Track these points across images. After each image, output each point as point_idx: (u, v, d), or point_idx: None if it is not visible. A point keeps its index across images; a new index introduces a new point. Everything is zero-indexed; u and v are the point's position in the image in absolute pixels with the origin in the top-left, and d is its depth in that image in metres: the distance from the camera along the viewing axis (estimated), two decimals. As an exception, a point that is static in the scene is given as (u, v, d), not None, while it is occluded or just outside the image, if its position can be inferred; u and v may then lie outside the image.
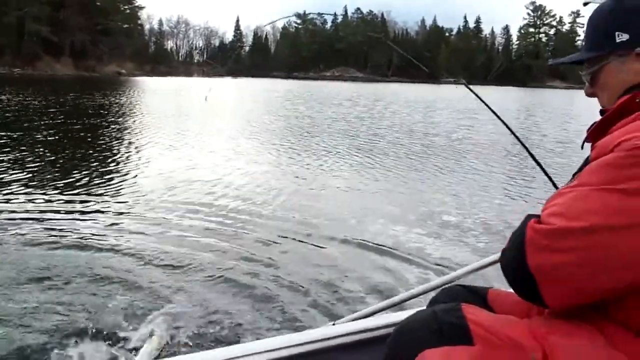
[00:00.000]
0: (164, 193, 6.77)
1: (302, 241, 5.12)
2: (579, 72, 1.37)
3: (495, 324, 1.22)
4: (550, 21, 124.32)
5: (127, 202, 6.32)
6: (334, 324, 1.94)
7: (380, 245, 5.03)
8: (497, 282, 2.57)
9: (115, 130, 13.75)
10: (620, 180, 1.06)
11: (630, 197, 1.05)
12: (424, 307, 1.51)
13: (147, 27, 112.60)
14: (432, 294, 1.68)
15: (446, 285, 1.67)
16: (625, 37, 1.24)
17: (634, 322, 1.10)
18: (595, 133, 1.26)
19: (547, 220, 1.11)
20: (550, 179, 2.11)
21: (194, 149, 11.07)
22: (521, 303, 1.35)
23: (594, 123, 1.28)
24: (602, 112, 1.31)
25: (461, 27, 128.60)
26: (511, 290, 1.24)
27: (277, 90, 42.95)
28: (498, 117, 2.09)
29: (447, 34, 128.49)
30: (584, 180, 1.12)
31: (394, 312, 2.02)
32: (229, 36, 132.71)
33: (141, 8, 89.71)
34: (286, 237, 5.19)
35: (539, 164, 2.10)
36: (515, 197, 7.63)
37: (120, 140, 11.89)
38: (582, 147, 1.35)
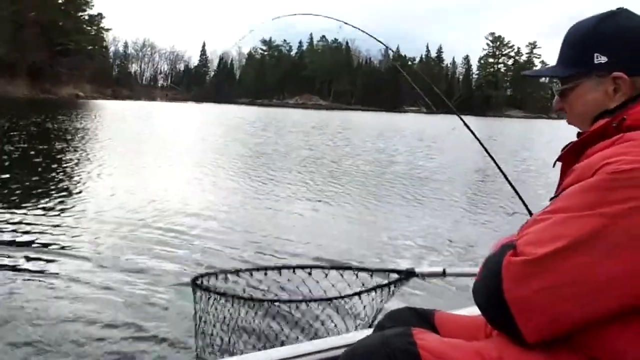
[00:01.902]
0: (116, 224, 6.35)
1: (248, 261, 5.11)
2: (551, 102, 1.38)
3: (444, 348, 1.21)
4: (509, 52, 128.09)
5: (78, 232, 5.95)
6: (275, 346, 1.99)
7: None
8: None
9: (49, 158, 12.89)
10: (602, 204, 1.04)
11: (612, 221, 1.03)
12: (370, 330, 1.53)
13: (112, 49, 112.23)
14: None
15: (394, 308, 1.65)
16: (603, 59, 1.23)
17: (590, 351, 1.09)
18: (569, 155, 1.26)
19: (523, 251, 1.09)
20: (524, 203, 2.24)
21: (148, 177, 10.49)
22: (467, 325, 1.41)
23: (569, 144, 1.28)
24: (578, 135, 1.30)
25: (423, 56, 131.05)
26: (457, 313, 1.32)
27: (244, 118, 42.56)
28: (481, 144, 2.23)
29: (409, 63, 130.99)
30: (561, 205, 1.10)
31: (340, 335, 2.08)
32: (195, 61, 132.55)
33: (107, 30, 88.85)
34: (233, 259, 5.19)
35: (514, 188, 2.24)
36: (474, 220, 7.83)
37: (62, 171, 11.12)
38: (554, 166, 1.35)
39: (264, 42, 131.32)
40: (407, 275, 2.52)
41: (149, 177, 10.30)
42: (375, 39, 3.07)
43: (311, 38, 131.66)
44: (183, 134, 23.35)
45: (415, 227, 7.15)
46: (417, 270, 2.53)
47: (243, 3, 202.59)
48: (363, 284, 2.58)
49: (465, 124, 2.44)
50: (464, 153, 18.53)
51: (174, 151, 15.43)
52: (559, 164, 1.32)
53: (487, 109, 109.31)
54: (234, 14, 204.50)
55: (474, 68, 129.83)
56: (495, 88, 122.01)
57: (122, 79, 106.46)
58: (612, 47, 1.22)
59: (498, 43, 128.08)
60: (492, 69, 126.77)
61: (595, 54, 1.23)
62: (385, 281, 2.52)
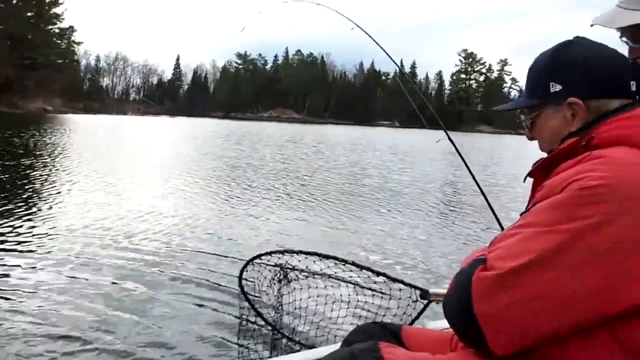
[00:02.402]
0: (86, 242, 6.19)
1: (213, 271, 5.19)
2: (520, 117, 1.42)
3: None
4: (480, 68, 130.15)
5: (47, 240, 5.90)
6: None
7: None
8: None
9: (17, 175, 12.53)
10: (569, 219, 1.06)
11: (578, 236, 1.05)
12: (338, 345, 1.56)
13: (83, 63, 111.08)
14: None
15: (360, 324, 1.67)
16: (558, 87, 1.28)
17: None
18: (539, 171, 1.29)
19: (493, 265, 1.11)
20: (496, 217, 2.27)
21: (120, 193, 10.13)
22: (434, 339, 1.43)
23: (539, 160, 1.31)
24: (549, 152, 1.33)
25: (397, 71, 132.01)
26: (425, 327, 1.35)
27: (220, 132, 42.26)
28: (462, 158, 2.32)
29: (383, 78, 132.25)
30: (530, 220, 1.12)
31: (307, 350, 2.09)
32: (168, 74, 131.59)
33: (78, 43, 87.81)
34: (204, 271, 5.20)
35: (488, 203, 2.31)
36: (446, 233, 7.89)
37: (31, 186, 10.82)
38: (524, 181, 1.39)
39: (238, 55, 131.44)
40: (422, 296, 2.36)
41: (121, 192, 10.03)
42: (383, 49, 2.98)
43: (286, 52, 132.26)
44: (155, 148, 23.02)
45: (389, 239, 7.17)
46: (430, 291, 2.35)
47: (217, 17, 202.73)
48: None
49: (450, 139, 2.49)
50: (435, 166, 18.67)
51: (146, 166, 15.19)
52: (529, 180, 1.35)
53: (459, 124, 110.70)
54: (208, 27, 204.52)
55: (447, 84, 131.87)
56: (467, 104, 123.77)
57: (93, 92, 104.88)
58: (565, 75, 1.28)
59: (470, 59, 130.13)
60: (463, 85, 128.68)
61: (551, 83, 1.29)
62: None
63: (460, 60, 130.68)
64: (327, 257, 2.68)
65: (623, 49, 1.47)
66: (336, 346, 1.66)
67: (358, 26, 2.97)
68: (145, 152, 20.23)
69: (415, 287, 2.42)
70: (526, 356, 1.12)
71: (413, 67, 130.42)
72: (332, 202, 10.13)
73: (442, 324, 1.25)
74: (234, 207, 9.05)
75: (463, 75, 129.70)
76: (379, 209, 9.72)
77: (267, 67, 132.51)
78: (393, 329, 1.54)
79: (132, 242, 6.28)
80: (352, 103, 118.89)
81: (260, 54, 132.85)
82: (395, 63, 2.98)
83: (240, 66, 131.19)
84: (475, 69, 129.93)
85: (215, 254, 5.87)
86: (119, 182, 11.24)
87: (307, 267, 2.78)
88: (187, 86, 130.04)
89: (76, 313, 4.07)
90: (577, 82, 1.26)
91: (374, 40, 2.92)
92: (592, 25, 1.52)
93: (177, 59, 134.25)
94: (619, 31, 1.48)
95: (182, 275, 5.09)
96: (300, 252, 2.70)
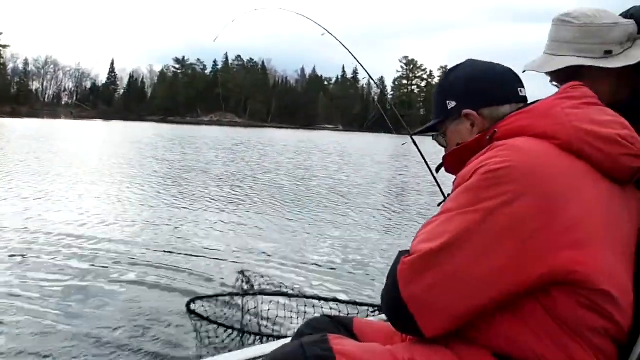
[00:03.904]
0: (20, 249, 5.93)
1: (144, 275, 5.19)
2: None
3: (360, 352, 1.28)
4: (422, 74, 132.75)
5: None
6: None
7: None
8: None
9: None
10: (477, 201, 1.15)
11: (486, 216, 1.13)
12: (289, 339, 1.63)
13: (10, 66, 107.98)
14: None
15: (311, 317, 1.74)
16: (453, 103, 1.43)
17: (487, 341, 1.17)
18: (451, 163, 1.42)
19: (414, 249, 1.20)
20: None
21: (52, 197, 9.52)
22: (384, 330, 1.50)
23: (448, 152, 1.44)
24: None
25: (339, 77, 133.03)
26: (375, 319, 1.48)
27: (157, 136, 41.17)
28: (425, 161, 2.53)
29: (326, 83, 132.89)
30: (447, 206, 1.21)
31: (259, 345, 2.30)
32: (103, 78, 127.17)
33: (4, 47, 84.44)
34: (146, 279, 5.14)
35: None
36: (382, 231, 8.01)
37: None
38: (437, 171, 1.59)
39: (176, 60, 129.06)
40: None
41: (54, 199, 9.33)
42: (353, 56, 3.01)
43: (226, 57, 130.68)
44: (87, 152, 21.81)
45: (341, 239, 7.17)
46: None
47: (152, 21, 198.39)
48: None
49: (415, 143, 2.62)
50: (380, 168, 18.80)
51: (78, 170, 14.34)
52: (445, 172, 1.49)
53: (402, 128, 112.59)
54: (144, 31, 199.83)
55: (389, 89, 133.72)
56: (409, 108, 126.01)
57: (21, 96, 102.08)
58: (456, 91, 1.43)
59: (411, 66, 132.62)
60: (405, 90, 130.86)
61: (447, 101, 1.44)
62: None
63: (402, 67, 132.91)
64: (279, 294, 2.70)
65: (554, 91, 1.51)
66: (288, 340, 1.67)
67: (329, 32, 3.05)
68: (78, 157, 18.98)
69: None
70: (460, 332, 1.19)
71: (355, 72, 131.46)
72: (287, 205, 10.08)
73: None
74: (172, 213, 8.73)
75: (405, 81, 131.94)
76: (329, 210, 9.73)
77: (206, 72, 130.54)
78: (345, 321, 1.59)
79: (73, 245, 6.15)
80: (295, 107, 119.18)
81: (199, 59, 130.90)
82: (366, 71, 3.06)
83: (179, 71, 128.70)
84: (417, 75, 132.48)
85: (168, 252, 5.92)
86: (55, 188, 10.65)
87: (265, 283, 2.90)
88: (122, 90, 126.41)
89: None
90: (467, 95, 1.41)
91: (345, 47, 2.96)
92: (524, 72, 1.62)
93: (112, 63, 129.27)
94: (549, 75, 1.65)
95: (132, 277, 5.13)
96: (247, 293, 2.62)
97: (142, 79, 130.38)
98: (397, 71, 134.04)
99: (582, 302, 1.13)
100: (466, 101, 1.40)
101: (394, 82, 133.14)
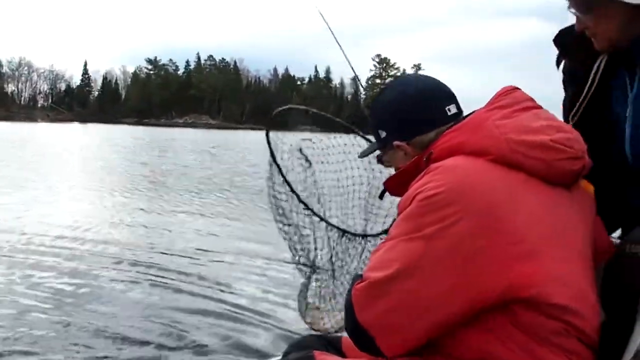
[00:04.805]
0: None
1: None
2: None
3: None
4: (395, 73, 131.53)
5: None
6: None
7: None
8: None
9: None
10: (418, 228, 1.17)
11: (429, 242, 1.15)
12: (277, 357, 1.59)
13: None
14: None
15: (298, 337, 1.79)
16: (384, 134, 1.46)
17: (462, 354, 1.19)
18: (394, 187, 1.44)
19: (365, 276, 1.22)
20: None
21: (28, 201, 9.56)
22: None
23: (391, 176, 1.47)
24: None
25: (312, 77, 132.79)
26: None
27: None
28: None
29: (299, 83, 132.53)
30: (393, 233, 1.24)
31: None
32: (77, 80, 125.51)
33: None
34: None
35: None
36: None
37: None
38: (380, 198, 1.64)
39: (149, 61, 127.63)
40: None
41: (29, 201, 9.54)
42: (348, 61, 2.78)
43: (198, 57, 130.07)
44: (66, 156, 21.82)
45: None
46: None
47: (124, 19, 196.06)
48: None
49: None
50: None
51: (55, 174, 14.56)
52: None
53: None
54: (116, 32, 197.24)
55: (362, 89, 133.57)
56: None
57: None
58: (385, 122, 1.46)
59: (384, 65, 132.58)
60: (378, 89, 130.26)
61: (379, 130, 1.47)
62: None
63: (375, 66, 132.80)
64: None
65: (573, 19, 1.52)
66: (276, 359, 1.70)
67: (329, 28, 2.65)
68: (58, 160, 19.09)
69: None
70: (436, 347, 1.21)
71: (327, 72, 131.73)
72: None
73: None
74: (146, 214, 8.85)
75: (378, 80, 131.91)
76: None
77: (179, 72, 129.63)
78: (332, 340, 1.64)
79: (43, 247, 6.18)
80: (268, 108, 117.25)
81: (171, 60, 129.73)
82: (353, 69, 2.79)
83: (151, 72, 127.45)
84: (390, 74, 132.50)
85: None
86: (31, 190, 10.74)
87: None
88: (97, 92, 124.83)
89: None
90: (393, 127, 1.43)
91: (338, 44, 2.71)
92: None
93: (85, 65, 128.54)
94: (568, 1, 1.52)
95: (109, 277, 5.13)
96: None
97: (116, 80, 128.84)
98: (370, 70, 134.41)
99: (541, 312, 1.15)
100: (395, 134, 1.42)
101: (367, 81, 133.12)
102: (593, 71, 1.54)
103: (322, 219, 2.16)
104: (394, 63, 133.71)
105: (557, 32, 1.63)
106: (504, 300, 1.14)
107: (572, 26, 1.55)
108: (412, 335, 1.19)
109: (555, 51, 1.65)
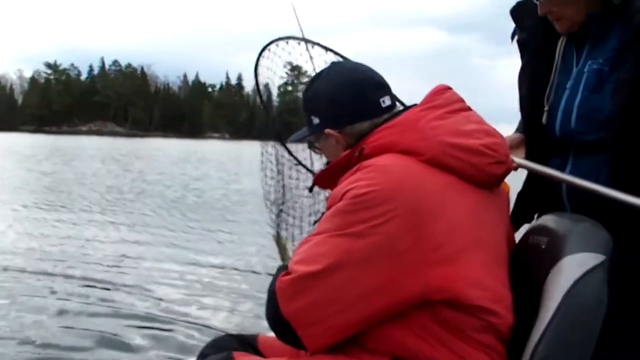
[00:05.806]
0: None
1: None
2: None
3: None
4: (307, 81, 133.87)
5: None
6: None
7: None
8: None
9: None
10: (347, 225, 1.18)
11: (357, 239, 1.17)
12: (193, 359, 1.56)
13: None
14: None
15: (214, 337, 1.70)
16: (317, 120, 1.42)
17: (383, 348, 1.21)
18: (323, 181, 1.45)
19: (292, 269, 1.22)
20: None
21: None
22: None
23: (320, 171, 1.47)
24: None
25: (223, 84, 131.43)
26: None
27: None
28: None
29: (210, 90, 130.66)
30: (321, 227, 1.24)
31: None
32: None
33: None
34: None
35: None
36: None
37: None
38: (310, 191, 1.68)
39: (48, 65, 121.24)
40: None
41: None
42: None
43: (102, 62, 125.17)
44: None
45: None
46: None
47: (19, 19, 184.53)
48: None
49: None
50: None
51: None
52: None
53: (289, 134, 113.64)
54: (8, 31, 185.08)
55: (274, 96, 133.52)
56: (296, 115, 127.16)
57: None
58: (317, 109, 1.42)
59: (297, 72, 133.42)
60: (292, 97, 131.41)
61: (312, 117, 1.43)
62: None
63: (287, 73, 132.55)
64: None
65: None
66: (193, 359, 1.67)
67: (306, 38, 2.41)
68: None
69: None
70: (360, 341, 1.23)
71: (239, 79, 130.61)
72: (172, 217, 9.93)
73: None
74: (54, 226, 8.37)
75: (290, 88, 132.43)
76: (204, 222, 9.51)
77: (81, 77, 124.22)
78: (249, 339, 1.60)
79: None
80: (178, 116, 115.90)
81: (72, 64, 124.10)
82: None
83: (51, 77, 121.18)
84: (302, 82, 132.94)
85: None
86: None
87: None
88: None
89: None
90: (326, 115, 1.39)
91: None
92: None
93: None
94: None
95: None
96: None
97: (11, 85, 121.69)
98: (282, 77, 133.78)
99: (462, 311, 1.19)
100: (328, 121, 1.39)
101: (278, 89, 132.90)
102: (557, 54, 1.62)
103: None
104: (306, 71, 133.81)
105: (514, 4, 1.70)
106: (423, 300, 1.17)
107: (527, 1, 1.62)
108: (335, 329, 1.20)
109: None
